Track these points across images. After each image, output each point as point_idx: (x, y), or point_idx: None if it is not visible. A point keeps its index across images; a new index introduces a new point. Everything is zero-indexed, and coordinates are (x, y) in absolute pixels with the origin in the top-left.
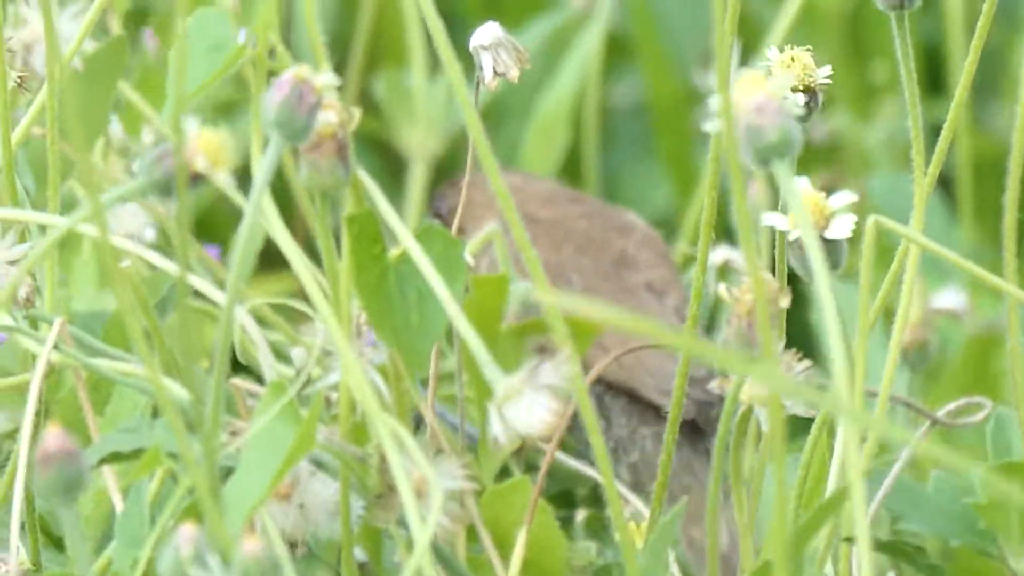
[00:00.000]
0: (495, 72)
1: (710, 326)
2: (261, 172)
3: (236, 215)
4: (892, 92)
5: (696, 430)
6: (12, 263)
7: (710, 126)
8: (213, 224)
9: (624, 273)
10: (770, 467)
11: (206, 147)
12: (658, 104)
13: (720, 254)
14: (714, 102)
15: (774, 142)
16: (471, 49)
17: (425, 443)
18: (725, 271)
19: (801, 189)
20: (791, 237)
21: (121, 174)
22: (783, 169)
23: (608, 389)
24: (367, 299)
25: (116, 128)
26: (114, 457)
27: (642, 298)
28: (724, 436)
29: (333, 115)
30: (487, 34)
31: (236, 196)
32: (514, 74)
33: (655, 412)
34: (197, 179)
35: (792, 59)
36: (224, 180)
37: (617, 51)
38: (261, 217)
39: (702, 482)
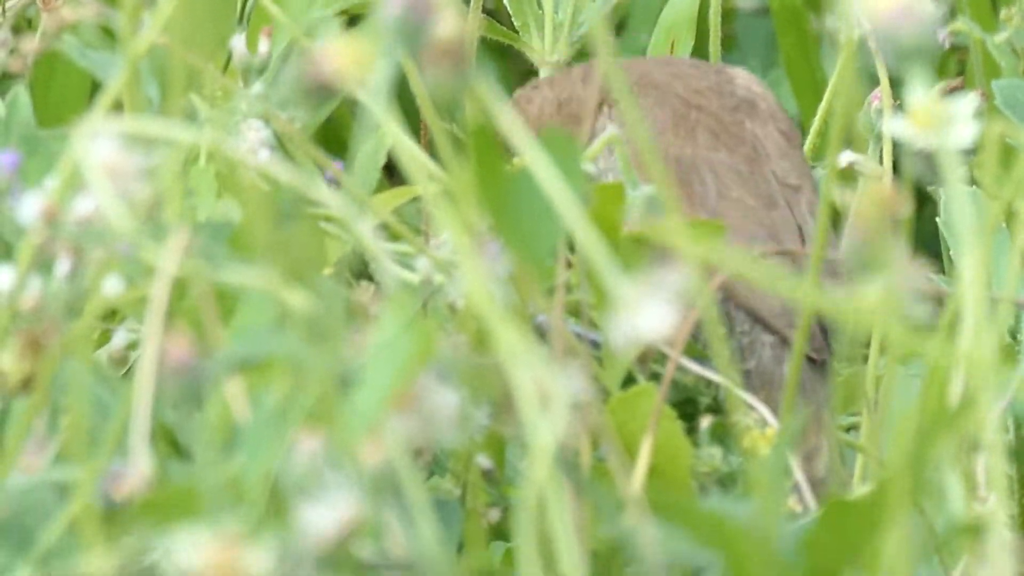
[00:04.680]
0: None
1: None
2: (379, 82)
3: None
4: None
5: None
6: (139, 175)
7: (849, 28)
8: (335, 135)
9: (758, 170)
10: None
11: (349, 56)
12: (781, 9)
13: (844, 158)
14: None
15: (915, 45)
16: None
17: (549, 352)
18: (849, 175)
19: (923, 95)
20: (916, 144)
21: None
22: (923, 73)
23: (732, 301)
24: (490, 209)
25: (237, 41)
26: (239, 367)
27: (779, 203)
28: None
29: (452, 23)
30: None
31: (373, 107)
32: None
33: None
34: (338, 89)
35: None
36: (366, 90)
37: None
38: (384, 126)
39: (809, 399)
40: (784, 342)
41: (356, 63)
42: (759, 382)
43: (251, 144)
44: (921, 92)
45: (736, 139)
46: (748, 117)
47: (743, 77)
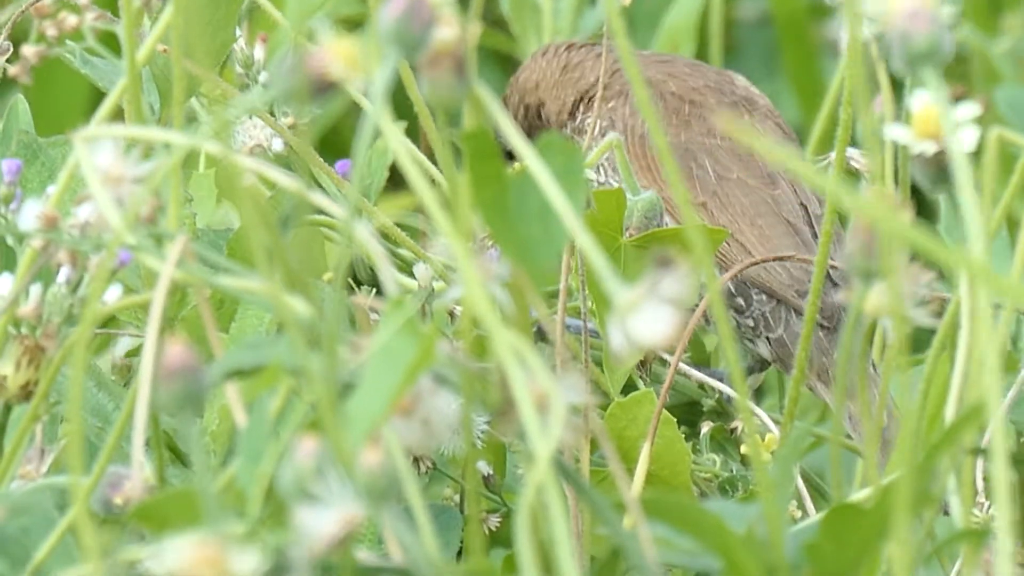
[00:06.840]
0: None
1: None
2: (378, 85)
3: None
4: (1018, 5)
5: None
6: (138, 181)
7: (860, 32)
8: (339, 141)
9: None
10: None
11: (340, 54)
12: (783, 17)
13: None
14: (867, 5)
15: (927, 48)
16: None
17: (547, 357)
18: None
19: (923, 101)
20: (915, 150)
21: (242, 91)
22: (933, 77)
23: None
24: (487, 214)
25: (237, 46)
26: (237, 373)
27: (779, 184)
28: (848, 349)
29: (451, 30)
30: None
31: (367, 104)
32: None
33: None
34: (331, 87)
35: None
36: (358, 87)
37: None
38: (384, 133)
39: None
40: (796, 312)
41: (351, 62)
42: (795, 347)
43: (251, 147)
44: (933, 94)
45: None
46: (747, 112)
47: (742, 79)
